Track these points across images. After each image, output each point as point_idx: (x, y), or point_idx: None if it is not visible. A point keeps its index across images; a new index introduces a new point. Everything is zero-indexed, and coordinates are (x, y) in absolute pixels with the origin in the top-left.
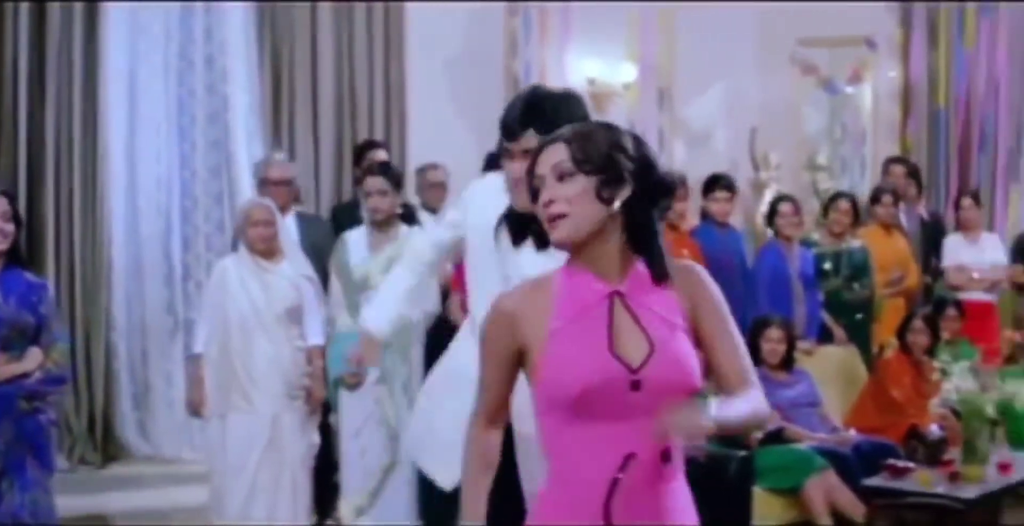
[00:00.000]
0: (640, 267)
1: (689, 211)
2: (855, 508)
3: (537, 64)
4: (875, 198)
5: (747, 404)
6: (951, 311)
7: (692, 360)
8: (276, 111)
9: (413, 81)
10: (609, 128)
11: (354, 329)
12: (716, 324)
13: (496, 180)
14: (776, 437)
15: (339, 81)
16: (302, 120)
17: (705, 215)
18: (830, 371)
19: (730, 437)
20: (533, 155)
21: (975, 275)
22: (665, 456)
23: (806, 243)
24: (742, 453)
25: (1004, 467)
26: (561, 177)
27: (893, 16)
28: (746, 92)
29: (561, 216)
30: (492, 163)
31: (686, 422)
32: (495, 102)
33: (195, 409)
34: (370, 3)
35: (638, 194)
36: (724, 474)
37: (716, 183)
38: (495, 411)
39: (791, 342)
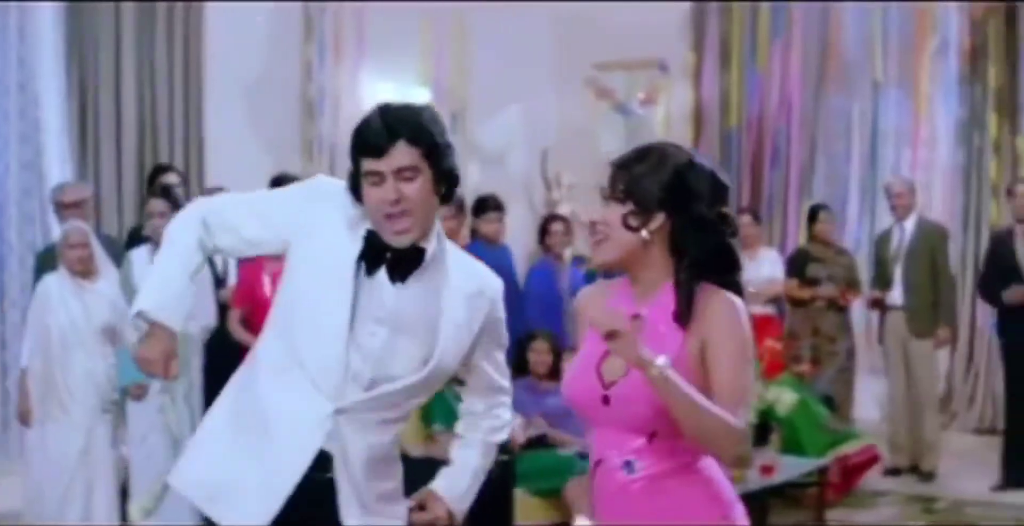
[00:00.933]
0: (670, 291)
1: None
2: None
3: (331, 89)
4: None
5: (715, 410)
6: None
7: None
8: (83, 134)
9: (210, 106)
10: (653, 155)
11: None
12: (714, 356)
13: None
14: (539, 442)
15: (141, 107)
16: (107, 143)
17: (476, 234)
18: None
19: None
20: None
21: (751, 289)
22: (627, 467)
23: (581, 259)
24: (503, 457)
25: (766, 469)
26: (606, 200)
27: (685, 40)
28: (542, 114)
29: (601, 239)
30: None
31: (624, 346)
32: (290, 126)
33: (23, 419)
34: (170, 16)
35: (679, 224)
36: (486, 477)
37: (485, 204)
38: None
39: (558, 353)
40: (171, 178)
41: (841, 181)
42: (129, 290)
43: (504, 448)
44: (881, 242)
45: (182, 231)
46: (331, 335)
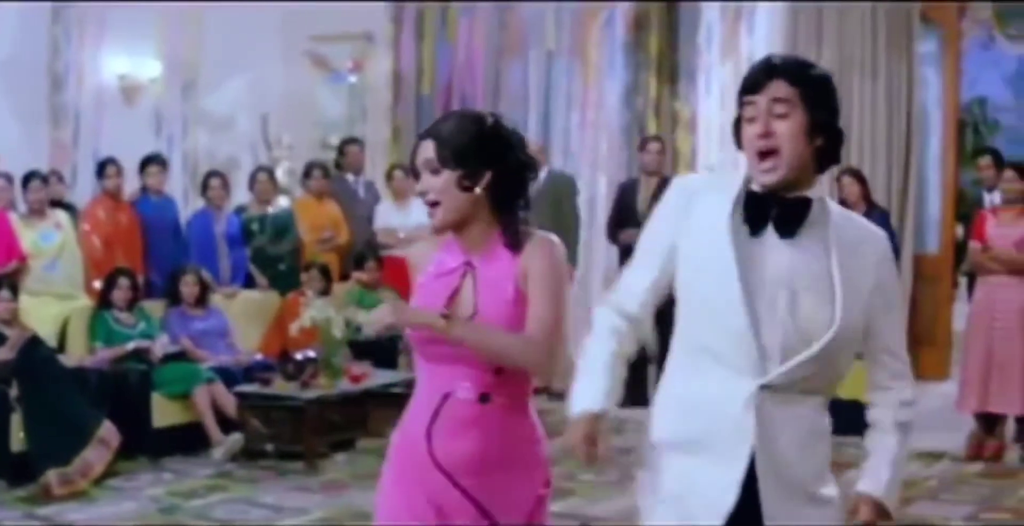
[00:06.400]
0: (498, 238)
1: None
2: (231, 408)
3: (76, 64)
4: (307, 173)
5: (503, 334)
6: (371, 263)
7: (503, 323)
8: None
9: None
10: (464, 121)
11: None
12: (534, 288)
13: (701, 179)
14: (179, 356)
15: None
16: None
17: (145, 188)
18: (251, 310)
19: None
20: (413, 147)
21: (401, 235)
22: (483, 398)
23: (240, 210)
24: (142, 367)
25: (355, 378)
26: (433, 171)
27: (388, 14)
28: (267, 83)
29: (435, 204)
30: None
31: (407, 316)
32: (38, 97)
33: None
34: None
35: (502, 175)
36: (126, 384)
37: (149, 161)
38: None
39: (204, 285)
40: None
41: None
42: None
43: (143, 360)
44: None
45: (597, 322)
46: (728, 307)
